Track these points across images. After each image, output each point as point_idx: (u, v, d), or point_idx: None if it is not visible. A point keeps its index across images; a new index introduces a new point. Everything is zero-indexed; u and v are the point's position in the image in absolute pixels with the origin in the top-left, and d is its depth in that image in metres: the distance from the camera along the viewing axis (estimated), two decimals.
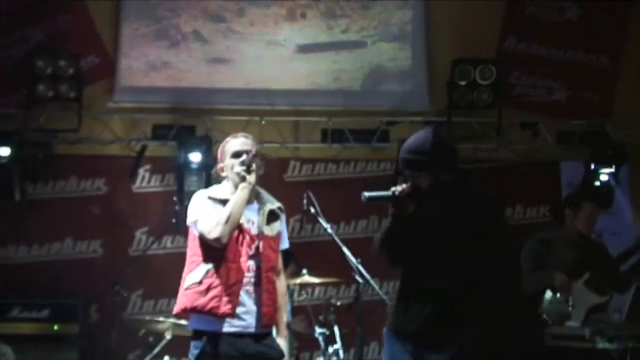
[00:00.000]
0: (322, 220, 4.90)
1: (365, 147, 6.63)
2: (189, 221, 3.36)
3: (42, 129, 6.41)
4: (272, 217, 3.47)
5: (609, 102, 6.87)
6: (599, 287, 4.45)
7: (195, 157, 6.17)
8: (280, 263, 3.54)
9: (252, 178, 3.32)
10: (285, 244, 3.56)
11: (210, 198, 3.36)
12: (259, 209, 3.44)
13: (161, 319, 4.85)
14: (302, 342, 5.88)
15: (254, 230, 3.38)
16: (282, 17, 6.71)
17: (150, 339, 5.15)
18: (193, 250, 3.36)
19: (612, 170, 6.33)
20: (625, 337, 3.72)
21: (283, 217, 3.55)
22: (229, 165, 3.40)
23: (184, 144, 6.30)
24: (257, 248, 3.36)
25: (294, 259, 5.44)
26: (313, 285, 5.59)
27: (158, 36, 6.69)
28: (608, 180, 6.40)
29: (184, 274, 3.36)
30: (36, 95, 6.31)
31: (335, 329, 5.07)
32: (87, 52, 6.64)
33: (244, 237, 3.34)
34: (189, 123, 6.59)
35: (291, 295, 5.63)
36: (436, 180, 3.07)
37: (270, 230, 3.44)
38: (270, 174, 6.07)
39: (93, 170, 6.57)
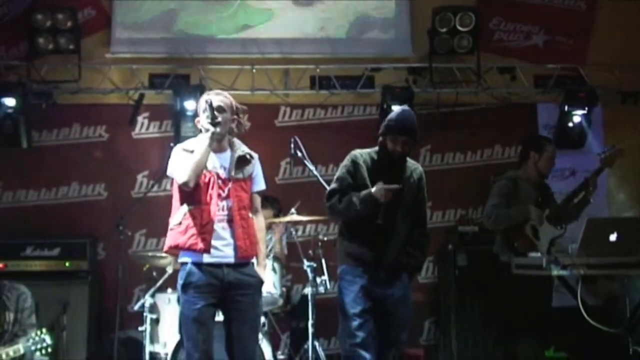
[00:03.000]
0: (307, 163, 5.20)
1: (351, 93, 6.82)
2: (168, 172, 3.76)
3: (44, 80, 6.58)
4: (242, 162, 3.81)
5: (584, 46, 7.13)
6: (556, 221, 4.83)
7: (190, 104, 6.30)
8: (256, 202, 3.90)
9: (217, 129, 3.65)
10: (259, 186, 3.90)
11: (183, 150, 3.74)
12: (231, 156, 3.79)
13: (162, 254, 5.14)
14: (294, 274, 6.28)
15: (225, 175, 3.74)
16: None
17: (154, 273, 5.52)
18: (175, 196, 3.77)
19: (585, 112, 6.60)
20: (577, 265, 4.11)
21: (255, 162, 3.88)
22: (201, 118, 3.78)
23: (179, 92, 6.45)
24: (229, 190, 3.71)
25: (271, 202, 5.77)
26: (302, 223, 5.84)
27: None
28: (581, 122, 6.69)
29: (170, 217, 3.75)
30: (37, 48, 6.49)
31: (323, 262, 5.39)
32: (84, 4, 6.81)
33: (215, 181, 3.70)
34: (183, 72, 6.74)
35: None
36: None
37: (241, 174, 3.78)
38: (261, 120, 6.46)
39: (94, 118, 6.80)
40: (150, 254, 5.37)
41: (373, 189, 3.78)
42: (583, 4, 7.18)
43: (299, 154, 5.22)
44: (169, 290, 5.41)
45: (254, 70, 6.72)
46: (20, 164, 6.62)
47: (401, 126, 3.88)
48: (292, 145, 5.26)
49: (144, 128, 6.88)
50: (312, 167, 5.15)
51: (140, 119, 6.84)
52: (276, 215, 5.77)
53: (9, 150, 6.49)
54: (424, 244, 4.09)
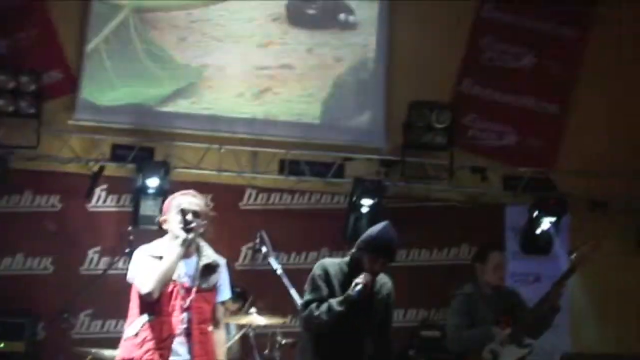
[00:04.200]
0: (272, 261, 5.02)
1: (320, 180, 6.76)
2: (129, 277, 3.56)
3: (0, 145, 6.36)
4: (208, 270, 3.63)
5: (554, 151, 7.15)
6: (519, 339, 4.53)
7: (153, 182, 6.19)
8: (218, 314, 3.72)
9: (189, 236, 3.48)
10: (224, 295, 3.73)
11: (150, 255, 3.54)
12: (197, 263, 3.60)
13: (107, 352, 4.82)
14: None
15: (188, 283, 3.55)
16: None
17: None
18: (134, 302, 3.53)
19: (554, 219, 6.57)
20: None
21: (221, 269, 3.70)
22: (172, 221, 3.58)
23: (143, 168, 6.32)
24: (191, 301, 3.53)
25: (243, 296, 5.57)
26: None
27: (122, 54, 6.70)
28: (549, 229, 6.64)
29: (125, 325, 3.56)
30: None
31: None
32: (50, 66, 6.63)
33: (178, 291, 3.51)
34: (148, 145, 6.62)
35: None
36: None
37: (206, 284, 3.60)
38: (226, 202, 6.38)
39: (49, 186, 6.56)
40: (93, 350, 4.99)
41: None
42: (555, 108, 7.23)
43: (264, 249, 5.00)
44: None
45: (222, 150, 6.62)
46: None
47: (384, 247, 3.73)
48: (258, 240, 5.07)
49: (101, 201, 6.66)
50: (276, 266, 4.94)
51: (97, 190, 6.61)
52: (240, 310, 5.53)
53: None
54: None
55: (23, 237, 6.45)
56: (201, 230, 3.60)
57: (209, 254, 3.68)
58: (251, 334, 5.27)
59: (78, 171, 6.56)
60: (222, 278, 3.71)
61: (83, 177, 6.52)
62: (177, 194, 3.69)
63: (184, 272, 3.55)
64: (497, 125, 7.15)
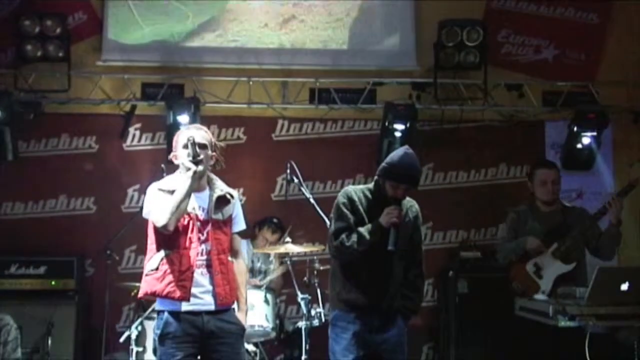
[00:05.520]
0: (304, 190, 5.03)
1: (351, 108, 6.65)
2: (144, 213, 3.59)
3: (32, 89, 6.40)
4: (222, 202, 3.64)
5: (596, 62, 6.88)
6: (566, 255, 4.57)
7: (184, 119, 6.12)
8: (236, 244, 3.76)
9: (198, 168, 3.48)
10: (239, 226, 3.76)
11: (160, 190, 3.55)
12: (210, 196, 3.62)
13: None
14: (288, 300, 6.16)
15: (203, 216, 3.57)
16: None
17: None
18: (151, 238, 3.58)
19: (594, 134, 6.37)
20: (586, 316, 3.88)
21: (235, 201, 3.71)
22: (179, 156, 3.60)
23: (172, 105, 6.27)
24: (208, 233, 3.56)
25: (275, 225, 5.69)
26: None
27: None
28: (590, 143, 6.45)
29: (145, 261, 3.60)
30: (24, 55, 6.31)
31: (318, 292, 5.27)
32: (75, 9, 6.63)
33: (194, 224, 3.53)
34: (177, 82, 6.59)
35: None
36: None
37: (220, 215, 3.62)
38: (258, 134, 6.53)
39: (84, 128, 6.62)
40: (138, 284, 5.12)
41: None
42: (595, 16, 6.92)
43: (295, 180, 5.02)
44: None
45: (251, 83, 6.55)
46: (6, 176, 6.42)
47: (404, 173, 3.69)
48: (288, 171, 5.07)
49: (136, 140, 6.71)
50: (309, 195, 4.99)
51: (131, 130, 6.68)
52: (279, 240, 5.66)
53: None
54: (420, 286, 3.93)
55: (64, 179, 6.58)
56: (211, 162, 3.62)
57: (221, 187, 3.70)
58: (289, 262, 5.34)
59: (111, 112, 6.60)
60: (236, 209, 3.73)
61: (116, 117, 6.58)
62: (182, 129, 3.73)
63: (198, 206, 3.58)
64: (533, 40, 6.91)
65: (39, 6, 6.39)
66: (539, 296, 4.44)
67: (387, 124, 6.36)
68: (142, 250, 6.10)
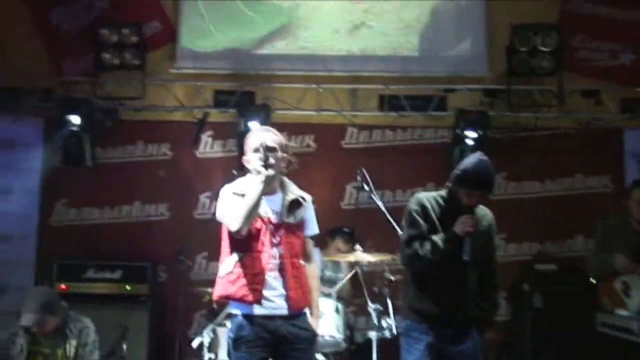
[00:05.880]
0: (375, 199, 4.92)
1: (421, 115, 6.58)
2: (217, 216, 3.58)
3: (110, 97, 6.56)
4: (294, 206, 3.62)
5: None
6: None
7: (255, 126, 5.98)
8: (308, 248, 3.73)
9: (269, 172, 3.46)
10: (311, 230, 3.73)
11: (234, 193, 3.55)
12: (282, 199, 3.61)
13: None
14: (358, 310, 6.00)
15: (276, 220, 3.56)
16: None
17: (215, 305, 5.25)
18: (225, 241, 3.58)
19: None
20: None
21: (308, 205, 3.69)
22: (250, 159, 3.58)
23: (244, 112, 6.31)
24: (280, 236, 3.55)
25: (347, 235, 5.63)
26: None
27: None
28: None
29: (219, 263, 3.59)
30: (102, 63, 6.47)
31: (389, 302, 5.06)
32: (150, 17, 6.76)
33: (267, 227, 3.53)
34: (249, 89, 6.62)
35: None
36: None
37: (292, 219, 3.61)
38: (328, 141, 6.52)
39: (158, 135, 6.73)
40: (210, 290, 5.20)
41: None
42: None
43: (366, 187, 4.93)
44: (227, 323, 5.02)
45: (320, 90, 6.54)
46: (84, 182, 6.60)
47: (478, 180, 3.62)
48: (359, 178, 4.99)
49: (208, 147, 6.79)
50: (380, 203, 4.87)
51: (204, 137, 6.75)
52: (351, 250, 5.51)
53: (73, 168, 6.48)
54: (495, 296, 3.85)
55: (139, 185, 6.68)
56: (282, 165, 3.60)
57: (293, 190, 3.69)
58: (360, 271, 5.24)
59: (184, 119, 6.66)
60: (309, 213, 3.71)
61: (189, 125, 6.63)
62: (252, 133, 3.69)
63: (271, 209, 3.57)
64: (611, 44, 6.71)
65: (116, 16, 6.58)
66: (622, 311, 4.34)
67: (458, 131, 6.26)
68: (213, 257, 6.02)
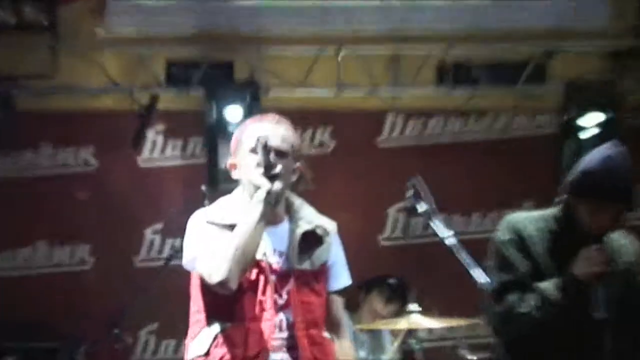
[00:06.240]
0: (436, 226, 3.39)
1: (507, 91, 5.39)
2: (184, 261, 2.84)
3: (3, 76, 5.37)
4: (310, 242, 2.88)
5: None
6: None
7: (235, 113, 5.09)
8: (335, 310, 2.98)
9: (275, 186, 2.70)
10: (340, 282, 2.94)
11: (210, 223, 2.80)
12: (291, 231, 2.87)
13: None
14: None
15: (281, 266, 2.82)
16: None
17: None
18: (196, 302, 2.83)
19: None
20: None
21: (332, 239, 2.90)
22: (244, 165, 2.78)
23: (216, 93, 5.28)
24: (289, 293, 2.84)
25: (392, 290, 4.86)
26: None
27: None
28: None
29: (187, 339, 2.87)
30: None
31: None
32: None
33: (266, 279, 2.78)
34: (223, 58, 5.42)
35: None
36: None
37: (309, 263, 2.87)
38: (354, 137, 5.68)
39: (76, 134, 5.51)
40: None
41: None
42: None
43: (421, 209, 3.33)
44: None
45: (341, 56, 5.28)
46: None
47: (610, 186, 2.74)
48: (412, 192, 3.44)
49: (157, 151, 5.57)
50: (444, 233, 3.33)
51: (151, 135, 5.50)
52: (400, 312, 4.64)
53: None
54: None
55: (45, 215, 5.42)
56: (293, 177, 2.82)
57: (308, 216, 2.89)
58: (417, 346, 4.45)
59: (118, 107, 5.43)
60: (334, 252, 2.91)
61: (126, 116, 5.37)
62: (248, 123, 2.89)
63: (273, 248, 2.81)
64: None
65: None
66: None
67: (567, 117, 5.29)
68: (169, 331, 5.50)
